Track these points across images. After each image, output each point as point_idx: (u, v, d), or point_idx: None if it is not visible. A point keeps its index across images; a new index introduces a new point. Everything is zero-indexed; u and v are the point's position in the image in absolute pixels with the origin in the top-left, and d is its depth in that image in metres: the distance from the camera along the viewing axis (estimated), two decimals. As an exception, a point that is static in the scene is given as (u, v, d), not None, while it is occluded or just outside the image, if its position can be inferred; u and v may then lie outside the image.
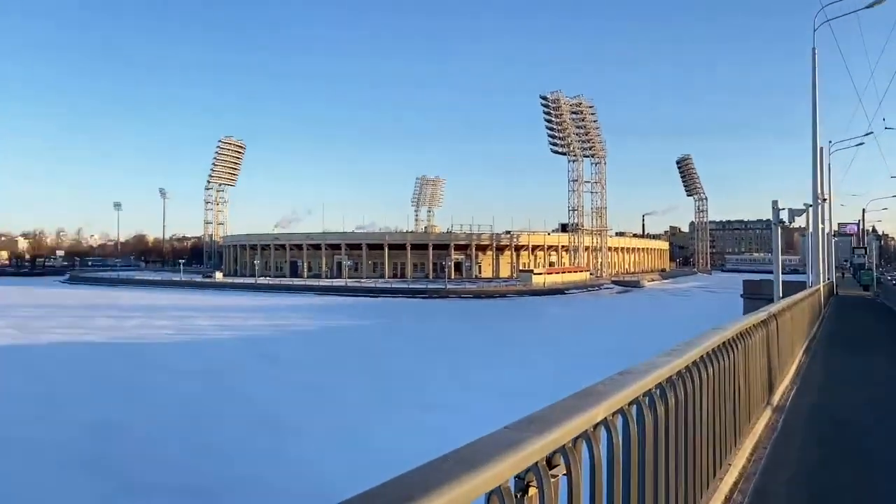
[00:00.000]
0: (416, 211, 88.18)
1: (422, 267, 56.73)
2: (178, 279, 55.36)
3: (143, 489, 7.59)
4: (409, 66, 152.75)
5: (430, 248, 57.10)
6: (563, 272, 55.48)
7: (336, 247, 58.07)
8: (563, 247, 62.97)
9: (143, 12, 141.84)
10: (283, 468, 8.26)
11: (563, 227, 64.92)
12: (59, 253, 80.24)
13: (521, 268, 56.72)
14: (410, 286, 49.29)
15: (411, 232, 67.66)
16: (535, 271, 53.19)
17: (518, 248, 60.26)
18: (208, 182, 69.77)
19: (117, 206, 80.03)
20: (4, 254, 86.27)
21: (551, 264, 59.71)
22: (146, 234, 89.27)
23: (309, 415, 11.58)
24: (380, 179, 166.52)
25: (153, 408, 11.62)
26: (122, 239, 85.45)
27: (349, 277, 52.07)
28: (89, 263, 78.05)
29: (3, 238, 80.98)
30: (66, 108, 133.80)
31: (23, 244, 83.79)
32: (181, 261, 63.14)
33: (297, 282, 52.94)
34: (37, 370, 14.65)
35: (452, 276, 54.26)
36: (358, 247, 57.89)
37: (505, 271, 58.63)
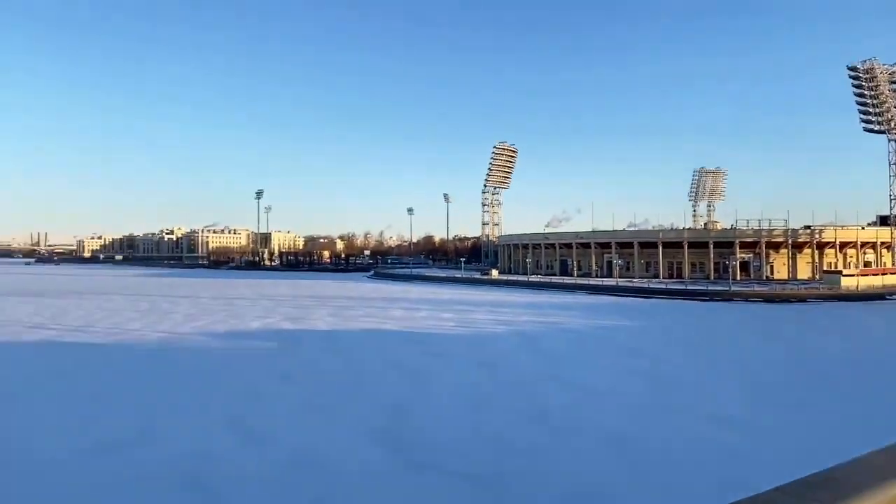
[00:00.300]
0: (694, 206, 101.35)
1: (701, 266, 67.19)
2: (459, 276, 78.55)
3: (426, 467, 10.68)
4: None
5: (711, 246, 66.82)
6: (884, 273, 58.33)
7: (606, 245, 73.28)
8: (882, 244, 65.14)
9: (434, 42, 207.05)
10: (555, 461, 11.23)
11: (883, 220, 66.64)
12: (366, 252, 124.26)
13: (825, 268, 61.57)
14: (688, 287, 57.46)
15: (689, 229, 78.63)
16: (845, 272, 56.83)
17: (821, 246, 65.26)
18: (484, 185, 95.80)
19: (410, 211, 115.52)
20: (327, 253, 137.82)
21: (867, 264, 62.82)
22: (433, 235, 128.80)
23: (582, 414, 14.65)
24: (652, 175, 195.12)
25: (437, 393, 16.46)
26: (414, 239, 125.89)
27: (620, 277, 65.42)
28: (388, 261, 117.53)
29: (326, 240, 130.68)
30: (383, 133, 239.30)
31: (340, 245, 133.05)
32: (462, 259, 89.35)
33: (567, 280, 68.30)
34: (346, 354, 22.84)
35: (738, 277, 61.76)
36: (629, 245, 71.88)
37: (804, 272, 64.61)
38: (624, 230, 77.81)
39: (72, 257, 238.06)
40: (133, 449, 11.66)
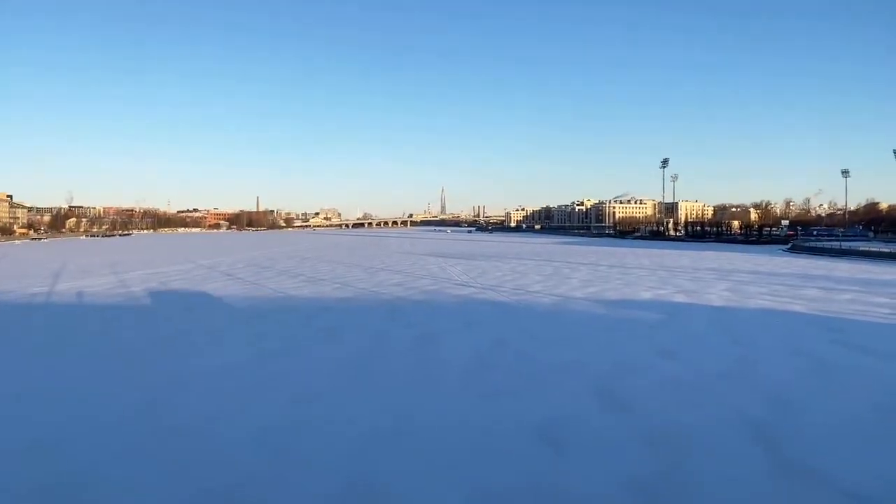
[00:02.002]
0: None
1: None
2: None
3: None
4: None
5: None
6: None
7: None
8: None
9: None
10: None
11: None
12: (784, 223, 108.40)
13: None
14: None
15: None
16: None
17: None
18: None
19: (845, 173, 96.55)
20: (736, 223, 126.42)
21: None
22: (878, 202, 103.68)
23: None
24: None
25: (842, 392, 13.16)
26: (850, 207, 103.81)
27: None
28: (813, 232, 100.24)
29: (738, 209, 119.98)
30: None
31: (753, 215, 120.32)
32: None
33: None
34: (735, 333, 19.66)
35: None
36: None
37: None
38: None
39: (501, 226, 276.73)
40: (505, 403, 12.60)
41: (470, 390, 13.31)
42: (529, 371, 15.09)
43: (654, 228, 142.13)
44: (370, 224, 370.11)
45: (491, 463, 9.18)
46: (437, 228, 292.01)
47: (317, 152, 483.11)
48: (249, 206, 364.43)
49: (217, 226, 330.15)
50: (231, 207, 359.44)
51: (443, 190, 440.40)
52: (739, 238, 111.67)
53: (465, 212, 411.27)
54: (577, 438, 10.28)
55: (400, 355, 17.11)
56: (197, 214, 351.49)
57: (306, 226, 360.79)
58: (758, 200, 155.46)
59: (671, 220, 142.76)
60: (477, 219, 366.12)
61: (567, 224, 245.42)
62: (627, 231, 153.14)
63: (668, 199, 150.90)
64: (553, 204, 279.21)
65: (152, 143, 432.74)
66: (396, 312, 25.39)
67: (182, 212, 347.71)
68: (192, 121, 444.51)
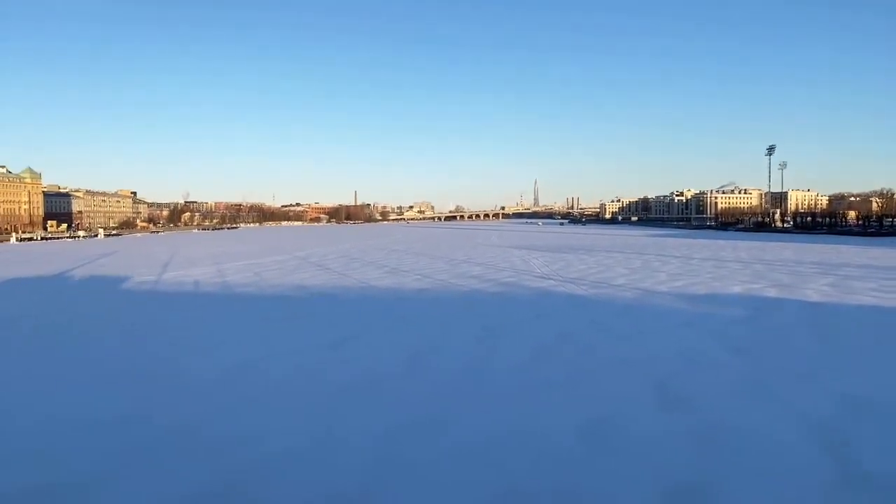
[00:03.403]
0: None
1: None
2: None
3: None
4: None
5: None
6: None
7: None
8: None
9: None
10: None
11: None
12: None
13: None
14: None
15: None
16: None
17: None
18: None
19: None
20: (852, 214, 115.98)
21: None
22: None
23: None
24: None
25: None
26: None
27: None
28: None
29: (857, 198, 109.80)
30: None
31: (875, 205, 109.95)
32: None
33: None
34: (825, 331, 18.49)
35: None
36: None
37: None
38: None
39: (596, 218, 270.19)
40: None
41: (520, 382, 13.33)
42: (587, 365, 14.88)
43: (759, 220, 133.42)
44: (462, 217, 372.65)
45: (521, 460, 9.19)
46: (529, 221, 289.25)
47: (411, 147, 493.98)
48: (348, 201, 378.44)
49: (317, 219, 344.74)
50: (331, 202, 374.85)
51: (535, 182, 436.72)
52: (856, 230, 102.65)
53: (558, 203, 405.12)
54: (619, 438, 10.01)
55: (462, 345, 17.36)
56: (299, 208, 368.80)
57: (400, 219, 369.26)
58: (881, 188, 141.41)
59: (777, 212, 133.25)
60: (570, 210, 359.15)
61: (665, 216, 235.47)
62: (729, 223, 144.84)
63: (776, 189, 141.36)
64: (651, 195, 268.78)
65: (260, 143, 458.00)
66: (469, 303, 25.70)
67: (286, 206, 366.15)
68: (298, 120, 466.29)
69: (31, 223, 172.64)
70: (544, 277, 35.84)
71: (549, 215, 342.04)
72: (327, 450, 9.59)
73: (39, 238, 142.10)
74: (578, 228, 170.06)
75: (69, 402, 12.43)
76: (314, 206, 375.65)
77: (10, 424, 11.06)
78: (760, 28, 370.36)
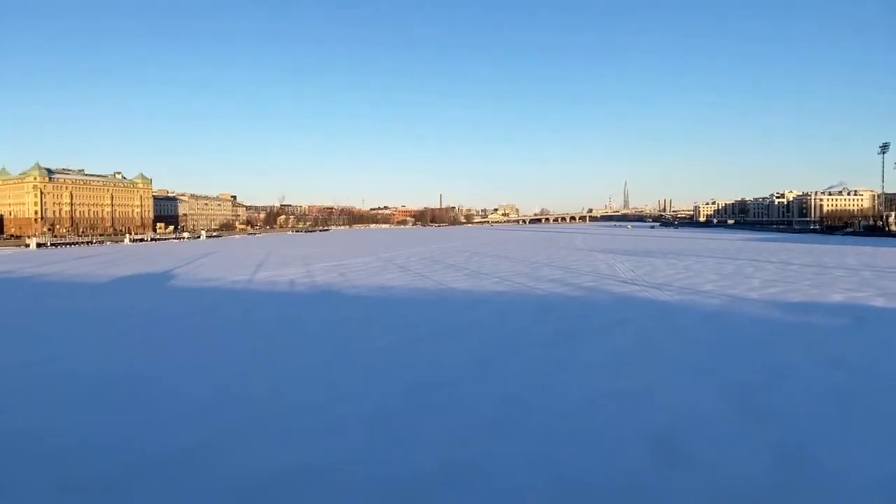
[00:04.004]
0: None
1: None
2: None
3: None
4: None
5: None
6: None
7: None
8: None
9: None
10: None
11: None
12: None
13: None
14: None
15: None
16: None
17: None
18: None
19: None
20: None
21: None
22: None
23: None
24: None
25: None
26: None
27: None
28: None
29: None
30: None
31: None
32: None
33: None
34: None
35: None
36: None
37: None
38: None
39: (689, 221, 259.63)
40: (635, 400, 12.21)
41: (589, 389, 13.03)
42: (663, 374, 14.32)
43: (871, 223, 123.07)
44: (547, 219, 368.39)
45: (582, 469, 9.04)
46: (618, 224, 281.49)
47: (496, 150, 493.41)
48: (433, 204, 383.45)
49: (404, 222, 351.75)
50: (416, 205, 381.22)
51: (625, 183, 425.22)
52: None
53: (649, 206, 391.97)
54: (688, 450, 9.64)
55: (533, 349, 17.21)
56: (386, 212, 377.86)
57: (485, 221, 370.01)
58: None
59: (893, 214, 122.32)
60: (662, 213, 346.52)
61: (764, 219, 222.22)
62: (836, 226, 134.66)
63: (891, 190, 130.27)
64: (748, 196, 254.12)
65: (351, 149, 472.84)
66: (544, 307, 25.41)
67: (374, 209, 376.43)
68: (386, 127, 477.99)
69: (143, 225, 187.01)
70: (628, 282, 34.85)
71: (639, 218, 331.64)
72: (399, 445, 9.82)
73: (149, 239, 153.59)
74: (669, 232, 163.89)
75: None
76: (401, 209, 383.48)
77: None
78: (872, 21, 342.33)
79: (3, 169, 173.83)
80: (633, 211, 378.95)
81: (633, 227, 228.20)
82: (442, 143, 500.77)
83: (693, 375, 14.02)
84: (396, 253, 71.17)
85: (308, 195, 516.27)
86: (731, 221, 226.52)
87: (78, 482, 8.65)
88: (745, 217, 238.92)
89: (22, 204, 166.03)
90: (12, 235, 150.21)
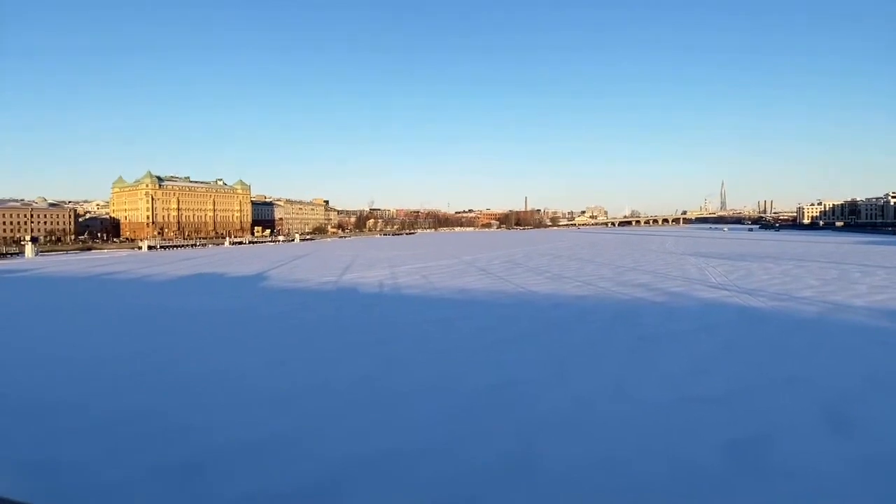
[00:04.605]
0: None
1: None
2: None
3: None
4: None
5: None
6: None
7: None
8: None
9: None
10: None
11: None
12: None
13: None
14: None
15: None
16: None
17: None
18: None
19: None
20: None
21: None
22: None
23: None
24: None
25: None
26: None
27: None
28: None
29: None
30: None
31: None
32: None
33: None
34: None
35: None
36: None
37: None
38: None
39: (792, 224, 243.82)
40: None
41: (668, 397, 12.78)
42: (747, 382, 13.79)
43: None
44: (637, 222, 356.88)
45: (652, 475, 8.95)
46: (713, 226, 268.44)
47: (584, 150, 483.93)
48: (519, 206, 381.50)
49: (488, 225, 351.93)
50: (501, 208, 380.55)
51: (723, 184, 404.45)
52: None
53: (748, 207, 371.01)
54: (768, 461, 9.30)
55: (609, 354, 17.03)
56: (471, 215, 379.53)
57: (571, 224, 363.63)
58: None
59: None
60: (762, 215, 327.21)
61: (878, 220, 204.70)
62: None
63: None
64: (860, 196, 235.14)
65: (436, 154, 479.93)
66: (627, 312, 24.89)
67: (459, 212, 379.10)
68: (471, 130, 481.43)
69: (242, 229, 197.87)
70: (718, 287, 33.45)
71: (737, 220, 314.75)
72: (463, 441, 10.14)
73: (247, 242, 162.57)
74: (769, 235, 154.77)
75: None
76: (485, 212, 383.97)
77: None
78: None
79: (120, 177, 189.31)
80: (731, 213, 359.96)
81: (729, 229, 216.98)
82: (527, 145, 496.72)
83: (776, 385, 13.43)
84: (478, 256, 71.60)
85: (396, 199, 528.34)
86: (839, 224, 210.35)
87: (175, 461, 9.55)
88: (857, 219, 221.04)
89: (136, 209, 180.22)
90: (127, 238, 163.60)
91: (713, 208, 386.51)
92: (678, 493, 8.17)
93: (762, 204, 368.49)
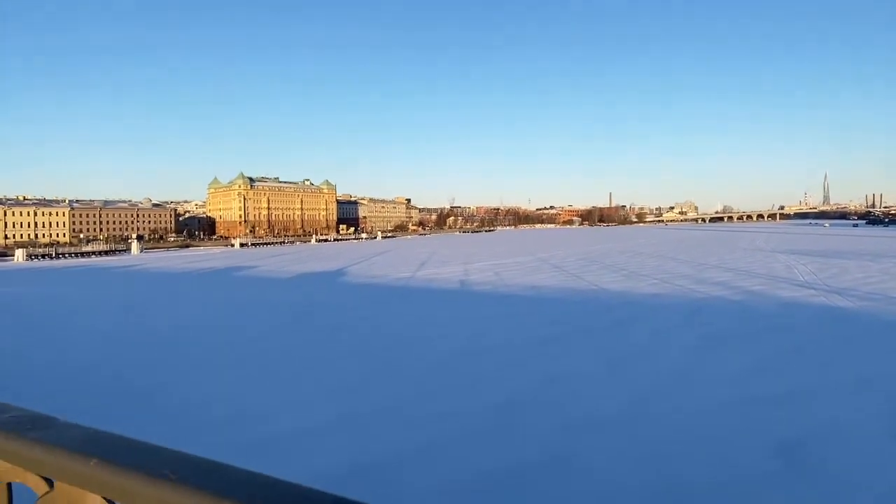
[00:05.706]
0: None
1: None
2: None
3: None
4: None
5: None
6: None
7: None
8: None
9: None
10: None
11: None
12: None
13: None
14: None
15: None
16: None
17: None
18: None
19: None
20: None
21: None
22: None
23: None
24: None
25: None
26: None
27: None
28: None
29: None
30: None
31: None
32: None
33: None
34: None
35: None
36: None
37: None
38: None
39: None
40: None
41: (724, 396, 12.50)
42: (812, 384, 13.23)
43: None
44: (730, 218, 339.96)
45: (702, 476, 8.92)
46: (814, 222, 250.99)
47: (671, 146, 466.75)
48: (602, 202, 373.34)
49: (570, 221, 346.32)
50: (584, 204, 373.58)
51: (825, 176, 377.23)
52: None
53: (854, 202, 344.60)
54: (825, 463, 9.03)
55: (669, 353, 16.73)
56: (552, 211, 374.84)
57: (659, 220, 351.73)
58: None
59: None
60: (871, 209, 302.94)
61: None
62: None
63: None
64: None
65: (517, 150, 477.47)
66: (696, 310, 24.18)
67: (539, 209, 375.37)
68: (552, 127, 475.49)
69: (327, 227, 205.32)
70: (804, 286, 31.73)
71: (841, 216, 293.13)
72: (507, 433, 10.48)
73: (332, 239, 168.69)
74: (876, 231, 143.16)
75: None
76: (567, 208, 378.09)
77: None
78: None
79: (216, 178, 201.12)
80: (834, 207, 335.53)
81: (830, 225, 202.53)
82: (611, 141, 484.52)
83: (844, 387, 12.82)
84: (554, 253, 71.00)
85: (476, 197, 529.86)
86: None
87: (233, 446, 10.47)
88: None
89: (229, 209, 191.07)
90: (222, 236, 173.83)
91: (814, 203, 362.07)
92: (719, 495, 8.15)
93: (870, 197, 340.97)
